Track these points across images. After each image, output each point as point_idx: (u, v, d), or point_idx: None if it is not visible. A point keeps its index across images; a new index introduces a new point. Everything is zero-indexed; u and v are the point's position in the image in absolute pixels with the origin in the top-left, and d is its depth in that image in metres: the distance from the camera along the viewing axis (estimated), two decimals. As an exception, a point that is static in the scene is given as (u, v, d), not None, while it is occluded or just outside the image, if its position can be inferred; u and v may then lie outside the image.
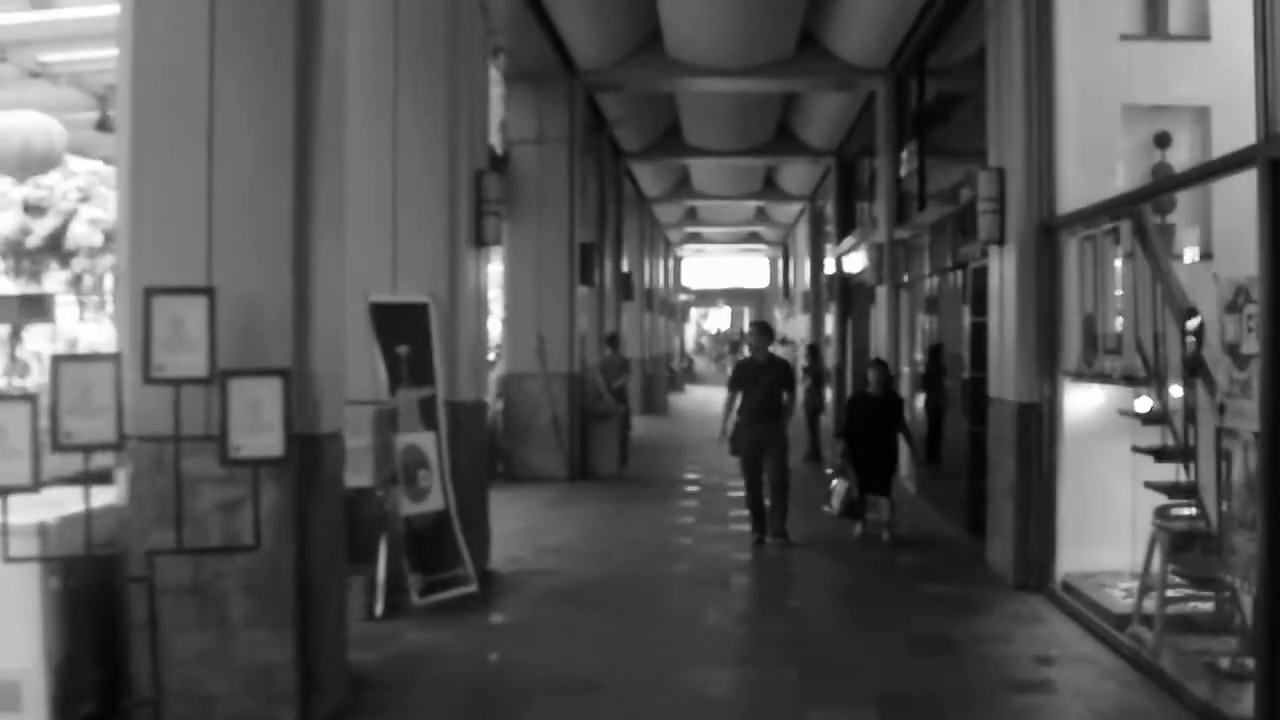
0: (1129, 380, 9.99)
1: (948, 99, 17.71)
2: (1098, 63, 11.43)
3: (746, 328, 70.49)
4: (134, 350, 7.27)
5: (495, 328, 20.34)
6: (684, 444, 27.47)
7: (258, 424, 7.26)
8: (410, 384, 11.23)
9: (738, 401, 14.47)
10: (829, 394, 26.67)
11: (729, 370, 70.88)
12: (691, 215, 45.71)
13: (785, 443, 14.56)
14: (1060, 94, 11.50)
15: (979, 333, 13.85)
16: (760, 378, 14.36)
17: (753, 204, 42.02)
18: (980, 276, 13.75)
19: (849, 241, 27.88)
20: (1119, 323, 10.15)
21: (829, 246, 32.69)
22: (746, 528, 15.02)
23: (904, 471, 19.34)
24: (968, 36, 15.95)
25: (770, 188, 37.76)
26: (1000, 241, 11.99)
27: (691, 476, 21.26)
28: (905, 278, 20.00)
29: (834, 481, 15.05)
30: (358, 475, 10.39)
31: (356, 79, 11.53)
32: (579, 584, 12.23)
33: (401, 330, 11.25)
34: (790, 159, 31.16)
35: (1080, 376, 10.92)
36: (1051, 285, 11.45)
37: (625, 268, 31.31)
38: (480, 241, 12.18)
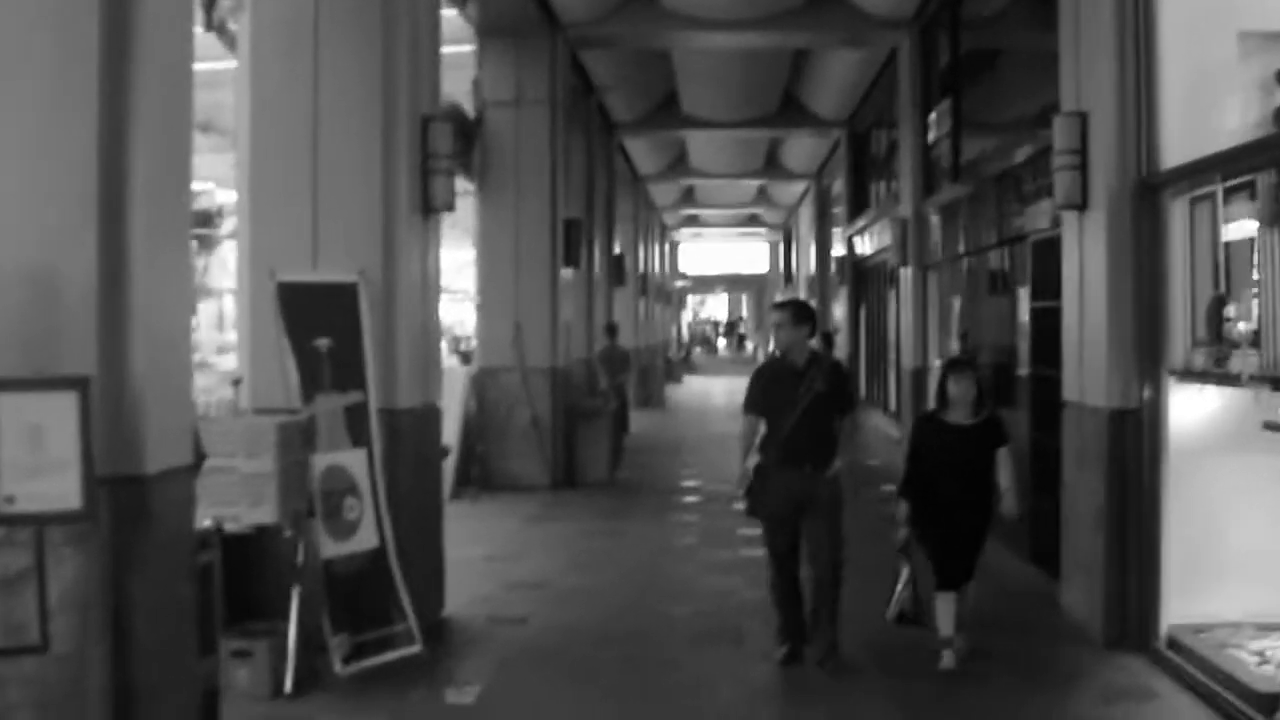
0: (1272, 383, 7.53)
1: (988, 51, 15.28)
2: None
3: (745, 310, 68.48)
4: None
5: (467, 315, 17.96)
6: (682, 442, 25.06)
7: (42, 462, 4.80)
8: (333, 388, 8.73)
9: (761, 431, 9.00)
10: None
11: (687, 351, 68.56)
12: (689, 196, 43.51)
13: (839, 502, 8.94)
14: (1162, 16, 9.05)
15: (1043, 320, 11.41)
16: (797, 392, 8.74)
17: (754, 183, 39.84)
18: (1045, 251, 11.32)
19: (863, 220, 25.48)
20: (1254, 308, 7.70)
21: (839, 228, 30.36)
22: (757, 552, 12.55)
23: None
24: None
25: (773, 165, 35.45)
26: (1082, 206, 9.51)
27: (691, 483, 18.81)
28: (936, 257, 17.49)
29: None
30: (257, 509, 8.01)
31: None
32: (557, 638, 9.76)
33: (322, 319, 8.77)
34: (796, 131, 28.68)
35: (1197, 376, 8.45)
36: (1153, 260, 8.98)
37: (617, 250, 28.89)
38: (428, 207, 9.68)
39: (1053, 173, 9.69)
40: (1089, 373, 9.53)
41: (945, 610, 8.73)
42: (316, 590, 8.42)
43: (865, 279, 26.33)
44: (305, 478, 8.37)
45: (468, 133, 17.73)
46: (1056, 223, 10.85)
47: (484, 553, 13.04)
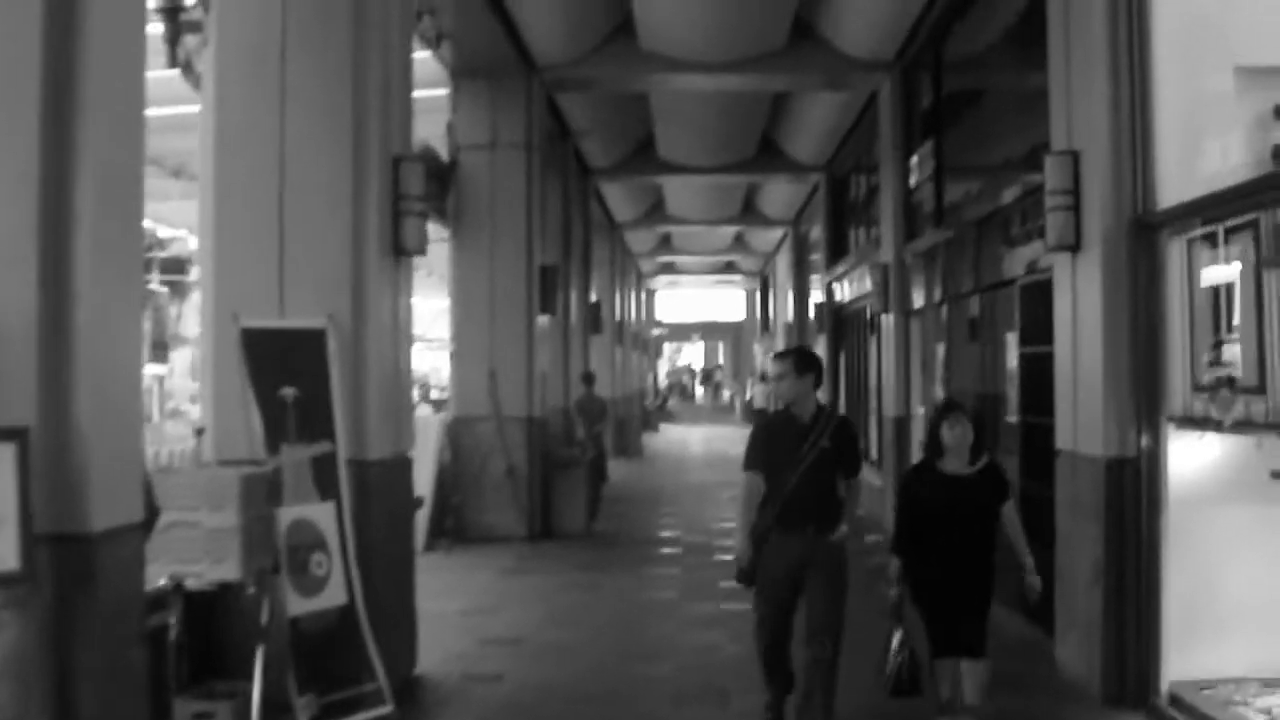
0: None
1: (972, 92, 15.02)
2: (1204, 7, 8.71)
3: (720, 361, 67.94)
4: None
5: (443, 363, 17.60)
6: (659, 492, 24.68)
7: (-25, 520, 4.44)
8: (300, 438, 8.38)
9: (755, 488, 8.21)
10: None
11: (665, 400, 67.57)
12: (665, 243, 43.27)
13: (842, 571, 8.10)
14: (1156, 52, 8.79)
15: (1033, 366, 11.11)
16: (801, 449, 7.97)
17: (731, 230, 39.57)
18: (1034, 295, 11.03)
19: (842, 266, 25.20)
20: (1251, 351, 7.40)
21: (817, 274, 30.07)
22: (739, 607, 12.20)
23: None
24: (998, 13, 13.31)
25: (750, 211, 35.17)
26: (1076, 247, 9.23)
27: (670, 534, 18.42)
28: (918, 303, 17.17)
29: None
30: (220, 565, 7.58)
31: (227, 32, 8.93)
32: (533, 697, 9.37)
33: (288, 366, 8.42)
34: (774, 176, 28.38)
35: (1197, 423, 8.13)
36: (1150, 301, 8.68)
37: (594, 298, 28.56)
38: (399, 249, 9.33)
39: (1045, 213, 9.40)
40: (1084, 420, 9.21)
41: (945, 674, 7.91)
42: (282, 649, 8.03)
43: (844, 325, 25.99)
44: (270, 532, 7.97)
45: (442, 176, 17.43)
46: (1046, 266, 10.58)
47: (458, 607, 12.65)
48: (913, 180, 17.03)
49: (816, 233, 30.43)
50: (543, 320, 18.58)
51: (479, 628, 11.75)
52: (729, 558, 16.04)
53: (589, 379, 21.72)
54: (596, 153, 25.45)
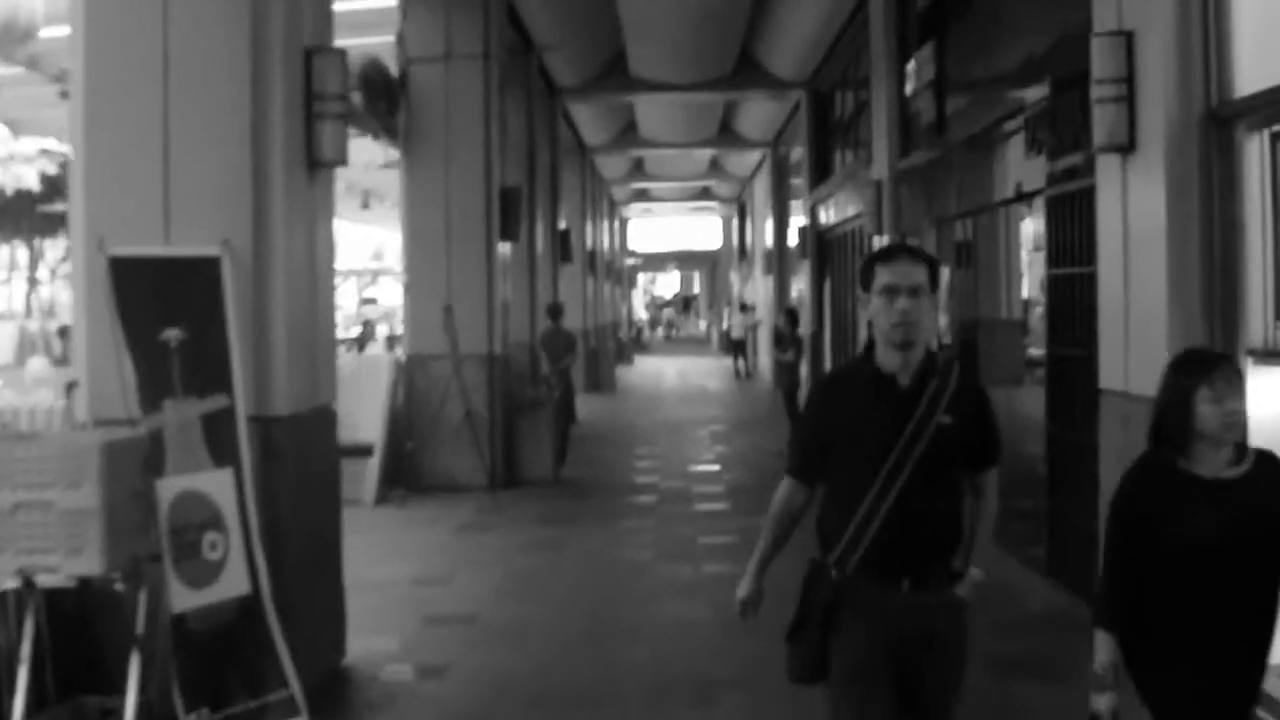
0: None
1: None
2: None
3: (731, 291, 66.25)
4: None
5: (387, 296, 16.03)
6: (634, 430, 23.25)
7: None
8: (187, 391, 6.78)
9: (795, 502, 4.94)
10: (804, 369, 22.16)
11: (657, 328, 66.31)
12: (638, 169, 41.65)
13: (963, 649, 4.72)
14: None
15: (1065, 290, 9.58)
16: (899, 431, 4.53)
17: (707, 153, 37.98)
18: (1067, 208, 9.48)
19: (827, 187, 23.63)
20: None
21: (799, 200, 28.49)
22: (723, 568, 10.76)
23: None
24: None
25: (727, 133, 33.49)
26: (1129, 147, 7.63)
27: (646, 480, 16.95)
28: (918, 223, 15.60)
29: None
30: (78, 556, 6.06)
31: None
32: (481, 696, 7.78)
33: (172, 304, 6.83)
34: (753, 93, 26.65)
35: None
36: (1225, 211, 7.11)
37: (563, 225, 26.93)
38: (314, 161, 7.68)
39: (1091, 106, 7.79)
40: (1138, 354, 7.65)
41: None
42: (165, 654, 6.49)
43: (830, 251, 24.43)
44: (147, 511, 6.41)
45: (391, 92, 15.79)
46: (1079, 173, 9.05)
47: (405, 573, 11.18)
48: (909, 88, 15.39)
49: (798, 154, 28.85)
50: (505, 248, 16.94)
51: (426, 601, 10.24)
52: (708, 507, 14.66)
53: (556, 311, 20.08)
54: (563, 70, 23.77)
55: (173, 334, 6.72)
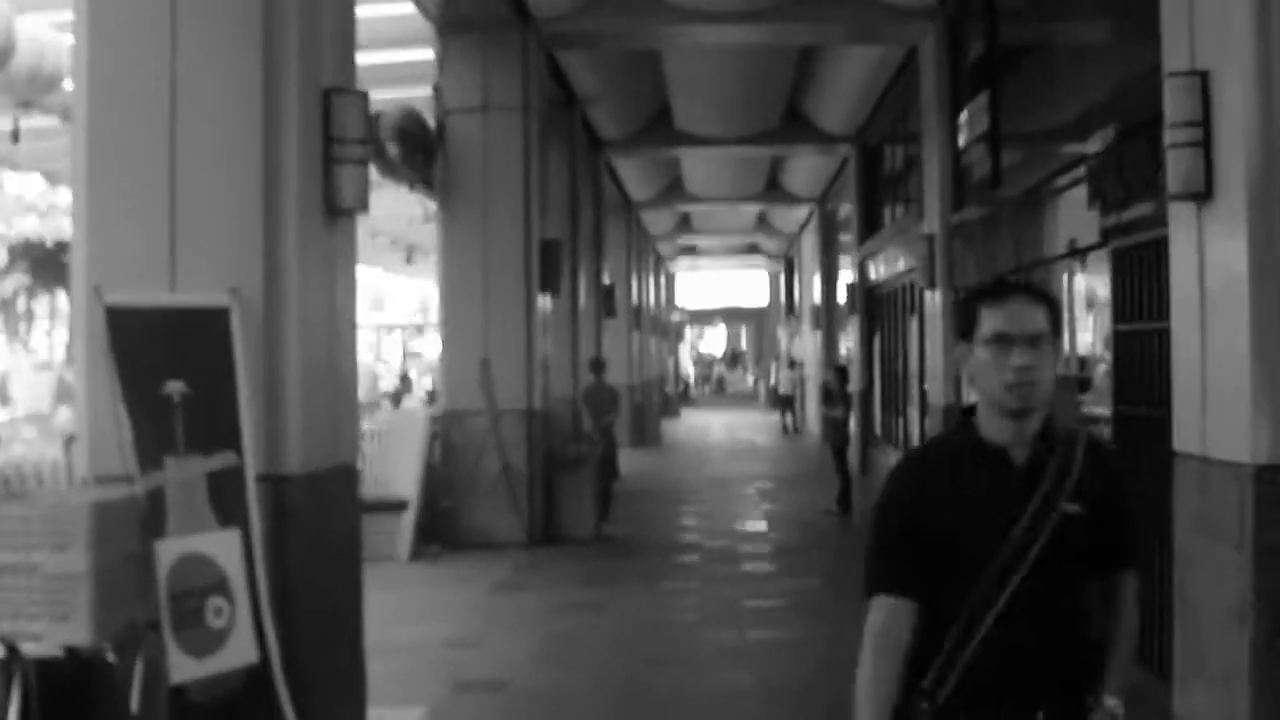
0: None
1: (1035, 35, 12.95)
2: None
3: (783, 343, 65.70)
4: None
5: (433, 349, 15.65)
6: (679, 486, 22.70)
7: None
8: (190, 448, 6.33)
9: (899, 630, 3.50)
10: (853, 424, 21.56)
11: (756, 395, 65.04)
12: (685, 224, 41.25)
13: None
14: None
15: (1133, 347, 9.03)
16: (1013, 522, 3.41)
17: (753, 209, 37.50)
18: (1135, 261, 8.94)
19: (876, 242, 23.13)
20: None
21: (846, 255, 28.01)
22: (770, 635, 10.24)
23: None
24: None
25: (774, 189, 33.05)
26: (1205, 194, 7.10)
27: (690, 538, 16.44)
28: (971, 277, 15.05)
29: None
30: (64, 623, 5.61)
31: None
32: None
33: (176, 355, 6.39)
34: (800, 147, 26.17)
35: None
36: (1315, 262, 6.59)
37: (607, 280, 26.50)
38: (332, 206, 7.24)
39: (1164, 152, 7.26)
40: (1217, 416, 7.09)
41: None
42: (162, 732, 6.01)
43: (879, 306, 23.94)
44: (144, 575, 5.95)
45: (428, 144, 15.42)
46: (1148, 224, 8.53)
47: (436, 634, 10.73)
48: (961, 140, 14.89)
49: (845, 210, 28.42)
50: (545, 302, 16.53)
51: (457, 665, 9.76)
52: (754, 568, 14.11)
53: (598, 366, 19.63)
54: (607, 123, 23.39)
55: (176, 387, 6.27)
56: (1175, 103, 7.15)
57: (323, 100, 7.19)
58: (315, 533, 7.09)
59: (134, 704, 5.74)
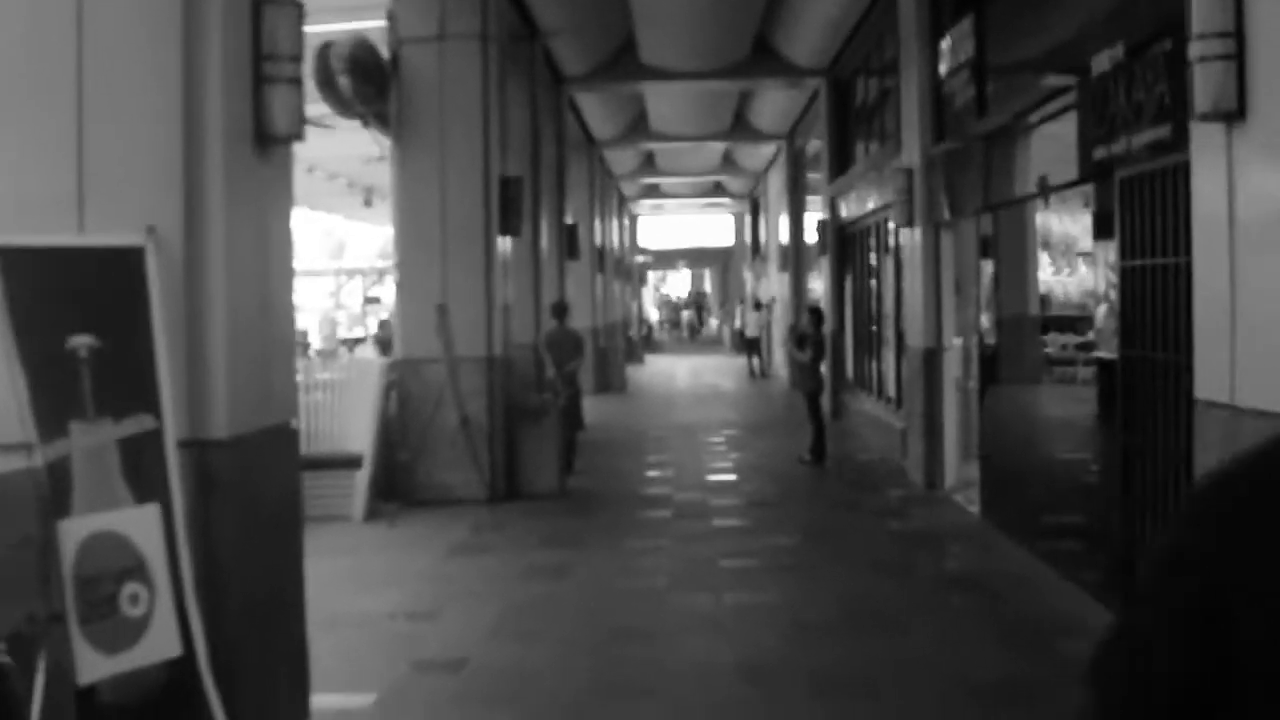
0: None
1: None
2: None
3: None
4: None
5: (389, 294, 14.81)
6: (645, 435, 21.96)
7: None
8: (100, 411, 5.54)
9: None
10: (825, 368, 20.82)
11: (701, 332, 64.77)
12: (649, 163, 40.38)
13: None
14: None
15: (1141, 284, 8.32)
16: None
17: (719, 147, 36.67)
18: (1144, 189, 8.22)
19: (850, 178, 22.36)
20: None
21: (818, 193, 27.21)
22: (746, 598, 9.59)
23: (950, 480, 14.01)
24: None
25: (741, 126, 32.15)
26: (1238, 113, 6.36)
27: (658, 491, 15.72)
28: (954, 212, 14.32)
29: None
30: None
31: None
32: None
33: (82, 305, 5.59)
34: (769, 81, 25.22)
35: None
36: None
37: (570, 220, 25.66)
38: (263, 134, 6.42)
39: (1190, 67, 6.52)
40: (1248, 362, 6.39)
41: None
42: (67, 737, 5.25)
43: (851, 245, 23.21)
44: (45, 560, 5.18)
45: (380, 76, 14.55)
46: (1163, 148, 7.81)
47: (390, 605, 9.98)
48: (943, 68, 14.13)
49: (815, 146, 27.63)
50: (506, 244, 15.69)
51: (411, 641, 9.02)
52: (727, 523, 13.40)
53: (561, 310, 18.78)
54: (570, 57, 22.50)
55: (82, 342, 5.46)
56: (1204, 12, 6.42)
57: (253, 12, 6.36)
58: (248, 504, 6.30)
59: (34, 713, 4.98)
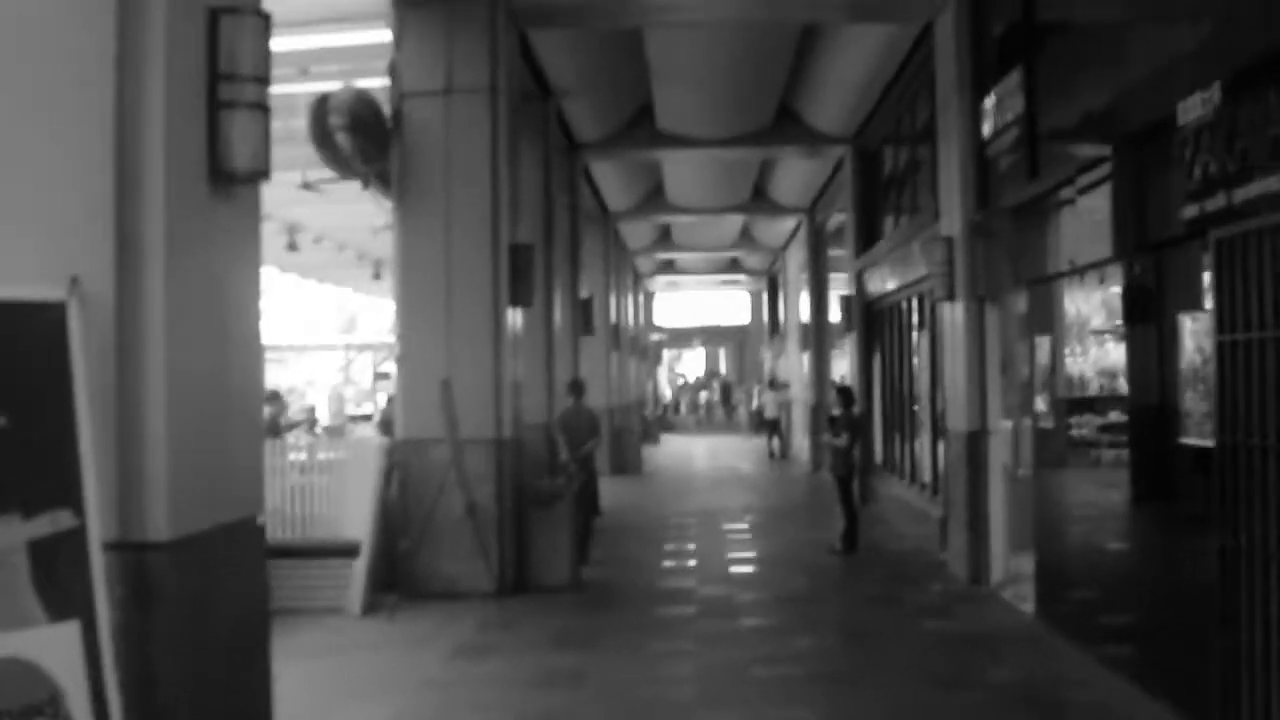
0: None
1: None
2: None
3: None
4: None
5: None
6: (664, 521, 20.77)
7: None
8: (4, 508, 4.47)
9: None
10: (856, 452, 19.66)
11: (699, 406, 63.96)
12: (665, 237, 39.43)
13: None
14: None
15: (1240, 362, 7.21)
16: None
17: (737, 221, 35.82)
18: (1247, 251, 7.13)
19: (878, 251, 21.31)
20: None
21: (841, 269, 26.23)
22: (787, 714, 8.44)
23: (998, 575, 12.88)
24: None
25: (760, 199, 31.20)
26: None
27: (680, 584, 14.53)
28: (1002, 285, 13.25)
29: None
30: None
31: None
32: None
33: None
34: (791, 148, 24.14)
35: None
36: None
37: (584, 294, 24.67)
38: (219, 170, 5.36)
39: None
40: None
41: None
42: None
43: (880, 322, 22.15)
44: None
45: (382, 133, 13.57)
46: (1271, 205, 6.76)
47: (384, 718, 8.80)
48: (987, 128, 13.09)
49: (837, 220, 26.71)
50: (516, 316, 14.63)
51: (402, 767, 7.88)
52: (757, 622, 12.24)
53: (578, 388, 17.70)
54: (584, 120, 21.60)
55: (-15, 420, 4.42)
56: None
57: (208, 22, 5.32)
58: (198, 619, 5.21)
59: None
